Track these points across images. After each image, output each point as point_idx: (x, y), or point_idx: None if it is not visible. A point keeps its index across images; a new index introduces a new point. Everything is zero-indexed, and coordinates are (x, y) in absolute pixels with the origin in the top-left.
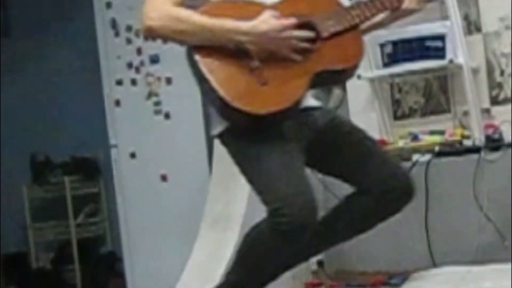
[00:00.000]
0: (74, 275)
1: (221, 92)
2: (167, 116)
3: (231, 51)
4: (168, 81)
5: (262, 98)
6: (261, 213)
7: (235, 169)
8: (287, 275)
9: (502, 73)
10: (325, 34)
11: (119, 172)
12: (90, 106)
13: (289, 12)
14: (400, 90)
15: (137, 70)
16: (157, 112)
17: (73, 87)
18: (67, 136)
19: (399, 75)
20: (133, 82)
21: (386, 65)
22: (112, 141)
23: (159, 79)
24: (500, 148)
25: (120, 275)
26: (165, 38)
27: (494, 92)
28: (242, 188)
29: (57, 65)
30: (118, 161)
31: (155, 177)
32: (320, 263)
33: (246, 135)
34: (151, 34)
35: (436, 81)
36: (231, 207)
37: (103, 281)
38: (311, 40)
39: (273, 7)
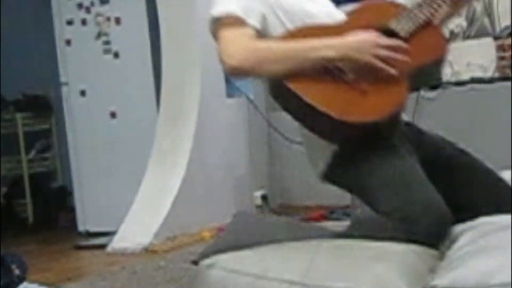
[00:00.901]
0: (25, 209)
1: (331, 112)
2: (116, 55)
3: (320, 71)
4: (117, 21)
5: (368, 107)
6: (207, 148)
7: (183, 106)
8: (231, 209)
9: None
10: (405, 35)
11: (70, 109)
12: (41, 45)
13: (362, 24)
14: None
15: (87, 10)
16: (107, 51)
17: (24, 27)
18: (19, 74)
19: None
20: (83, 22)
21: None
22: (63, 79)
23: (108, 19)
24: (438, 87)
25: (70, 209)
26: (251, 74)
27: None
28: (189, 125)
29: (8, 5)
30: (69, 98)
31: (105, 114)
32: (264, 198)
33: (359, 154)
34: (235, 72)
35: None
36: (179, 143)
37: (54, 215)
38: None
39: (345, 25)
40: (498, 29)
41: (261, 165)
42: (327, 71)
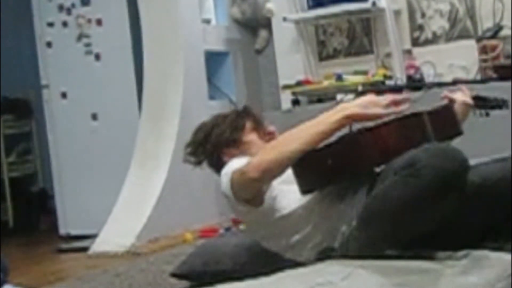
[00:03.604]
0: (6, 213)
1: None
2: (97, 57)
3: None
4: (99, 22)
5: None
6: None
7: (165, 108)
8: (213, 211)
9: (423, 15)
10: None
11: (51, 112)
12: (22, 47)
13: None
14: (324, 32)
15: (68, 12)
16: (88, 53)
17: (4, 29)
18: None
19: (323, 17)
20: (64, 24)
21: (311, 7)
22: (44, 82)
23: (89, 20)
24: (421, 88)
25: (51, 212)
26: (273, 175)
27: (416, 34)
28: (171, 126)
29: None
30: (50, 101)
31: (86, 116)
32: None
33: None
34: (259, 183)
35: (359, 23)
36: (161, 144)
37: (34, 218)
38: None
39: None
40: (480, 31)
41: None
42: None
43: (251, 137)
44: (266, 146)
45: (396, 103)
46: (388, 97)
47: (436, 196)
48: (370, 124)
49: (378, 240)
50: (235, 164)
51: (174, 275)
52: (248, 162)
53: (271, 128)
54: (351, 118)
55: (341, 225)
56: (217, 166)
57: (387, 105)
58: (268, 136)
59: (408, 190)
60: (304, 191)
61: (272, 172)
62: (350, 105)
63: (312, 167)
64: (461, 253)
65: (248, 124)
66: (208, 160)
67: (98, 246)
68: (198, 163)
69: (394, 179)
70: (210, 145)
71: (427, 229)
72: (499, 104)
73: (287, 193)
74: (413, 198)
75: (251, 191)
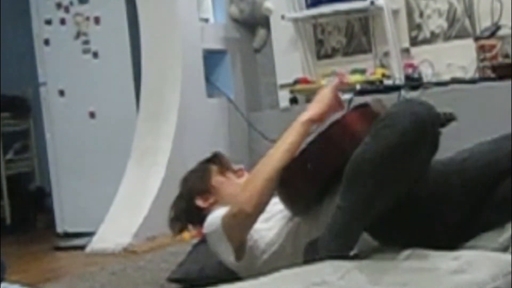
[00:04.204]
0: (3, 210)
1: None
2: (95, 55)
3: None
4: (97, 20)
5: None
6: (187, 148)
7: (162, 106)
8: None
9: (421, 14)
10: None
11: (48, 110)
12: (20, 45)
13: None
14: (323, 31)
15: (66, 9)
16: (86, 51)
17: (2, 26)
18: None
19: (321, 16)
20: (62, 21)
21: (309, 6)
22: (41, 79)
23: (87, 18)
24: (419, 87)
25: (48, 210)
26: (265, 203)
27: (414, 33)
28: (169, 125)
29: None
30: (47, 98)
31: (84, 114)
32: None
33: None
34: (255, 217)
35: (358, 22)
36: (158, 142)
37: (31, 216)
38: None
39: None
40: (478, 30)
41: (241, 165)
42: None
43: (220, 179)
44: (244, 181)
45: (338, 83)
46: (330, 85)
47: (413, 142)
48: None
49: (363, 204)
50: (217, 214)
51: (170, 280)
52: (235, 203)
53: (238, 166)
54: (310, 122)
55: (326, 217)
56: (198, 216)
57: (333, 91)
58: (237, 174)
59: (386, 140)
60: (296, 212)
61: (264, 200)
62: (305, 112)
63: (295, 179)
64: (456, 253)
65: (214, 168)
66: (188, 215)
67: (95, 244)
68: (182, 228)
69: (371, 135)
70: (184, 200)
71: (408, 183)
72: (448, 119)
73: (266, 230)
74: (391, 147)
75: (246, 229)
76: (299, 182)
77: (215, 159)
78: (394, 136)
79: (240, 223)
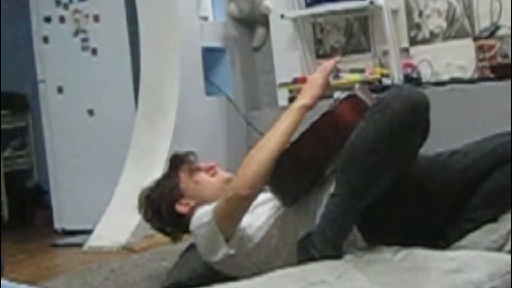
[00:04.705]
0: (1, 207)
1: None
2: (94, 52)
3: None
4: (96, 18)
5: None
6: (186, 146)
7: (161, 104)
8: None
9: (420, 14)
10: None
11: (47, 107)
12: (19, 42)
13: None
14: (322, 30)
15: (65, 7)
16: (85, 49)
17: (1, 23)
18: None
19: (321, 15)
20: (61, 19)
21: (308, 5)
22: (40, 77)
23: (87, 16)
24: (419, 87)
25: (46, 207)
26: (261, 186)
27: (413, 33)
28: (167, 123)
29: None
30: (46, 96)
31: (82, 112)
32: None
33: None
34: (250, 200)
35: (357, 21)
36: (157, 141)
37: (29, 213)
38: None
39: None
40: (477, 30)
41: (239, 163)
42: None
43: (189, 183)
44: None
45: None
46: (319, 69)
47: (405, 121)
48: None
49: (359, 189)
50: (205, 208)
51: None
52: (231, 187)
53: (210, 163)
54: (305, 108)
55: (318, 207)
56: (179, 223)
57: (324, 74)
58: (210, 172)
59: (379, 123)
60: (287, 202)
61: (259, 182)
62: (299, 98)
63: (286, 170)
64: (453, 253)
65: (181, 173)
66: (173, 226)
67: (93, 241)
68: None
69: (365, 119)
70: (165, 211)
71: (402, 166)
72: None
73: (255, 217)
74: (384, 128)
75: (239, 215)
76: (291, 173)
77: (178, 164)
78: (386, 117)
79: (235, 207)
